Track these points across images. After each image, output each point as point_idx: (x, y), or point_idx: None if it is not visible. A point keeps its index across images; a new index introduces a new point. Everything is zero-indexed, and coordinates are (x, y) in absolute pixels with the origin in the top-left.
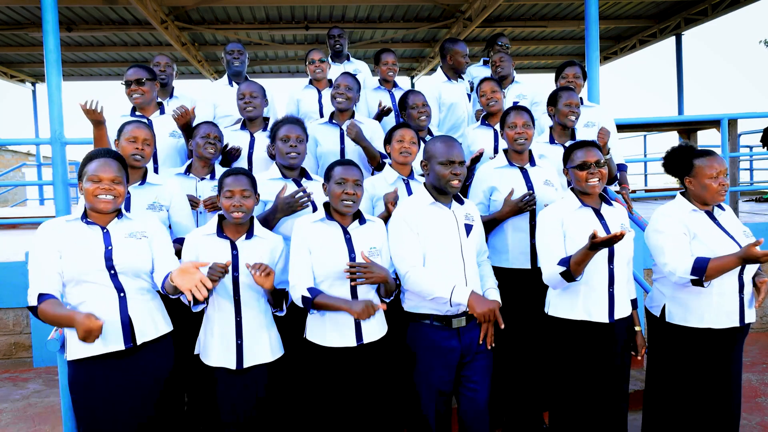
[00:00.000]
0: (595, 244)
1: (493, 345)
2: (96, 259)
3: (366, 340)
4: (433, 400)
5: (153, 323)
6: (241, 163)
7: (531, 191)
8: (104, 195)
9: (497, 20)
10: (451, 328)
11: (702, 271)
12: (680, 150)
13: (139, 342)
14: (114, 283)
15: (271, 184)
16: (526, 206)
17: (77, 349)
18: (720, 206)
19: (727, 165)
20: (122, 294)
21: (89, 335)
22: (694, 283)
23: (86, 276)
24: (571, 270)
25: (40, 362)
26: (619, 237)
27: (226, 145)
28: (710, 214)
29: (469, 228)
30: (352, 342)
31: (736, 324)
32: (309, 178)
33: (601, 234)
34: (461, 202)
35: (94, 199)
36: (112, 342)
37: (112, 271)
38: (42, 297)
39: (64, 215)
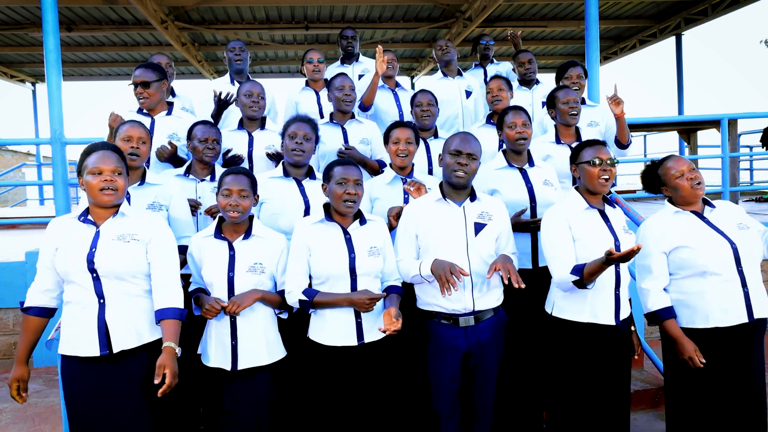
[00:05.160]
0: (611, 260)
1: (522, 285)
2: (79, 261)
3: (367, 339)
4: (441, 393)
5: (135, 332)
6: (242, 162)
7: (538, 219)
8: (107, 187)
9: (497, 20)
10: (458, 326)
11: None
12: (646, 169)
13: (116, 350)
14: (95, 287)
15: (269, 182)
16: (530, 230)
17: (63, 346)
18: (710, 204)
19: (689, 160)
20: (102, 300)
21: (9, 388)
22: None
23: (70, 276)
24: (585, 280)
25: (40, 362)
26: (636, 251)
27: (228, 151)
28: (699, 214)
29: (479, 227)
30: (353, 341)
31: (745, 320)
32: (313, 177)
33: (608, 241)
34: (476, 199)
35: (97, 193)
36: (88, 347)
37: (94, 274)
38: (28, 309)
39: (73, 211)
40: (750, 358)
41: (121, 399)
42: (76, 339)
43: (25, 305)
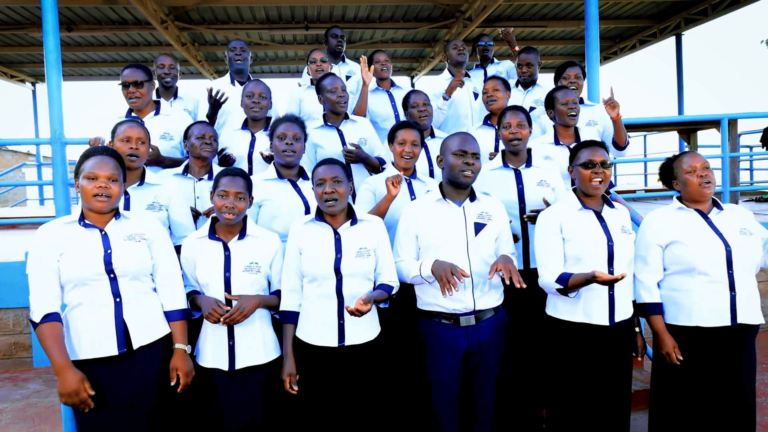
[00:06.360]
0: (600, 282)
1: (523, 285)
2: (95, 264)
3: (348, 342)
4: (442, 394)
5: (150, 326)
6: (242, 162)
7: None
8: (100, 193)
9: (497, 20)
10: (459, 326)
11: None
12: (665, 161)
13: (135, 346)
14: (112, 287)
15: (265, 184)
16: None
17: (71, 352)
18: (718, 206)
19: (706, 160)
20: (118, 300)
21: (69, 399)
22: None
23: (85, 280)
24: (567, 290)
25: (40, 362)
26: (620, 279)
27: (223, 150)
28: (704, 214)
29: (479, 227)
30: (333, 342)
31: (727, 323)
32: (306, 178)
33: (601, 241)
34: (476, 200)
35: (90, 199)
36: (105, 347)
37: (112, 275)
38: (46, 317)
39: (62, 216)
40: (740, 362)
41: (135, 392)
42: (90, 341)
43: (46, 312)
